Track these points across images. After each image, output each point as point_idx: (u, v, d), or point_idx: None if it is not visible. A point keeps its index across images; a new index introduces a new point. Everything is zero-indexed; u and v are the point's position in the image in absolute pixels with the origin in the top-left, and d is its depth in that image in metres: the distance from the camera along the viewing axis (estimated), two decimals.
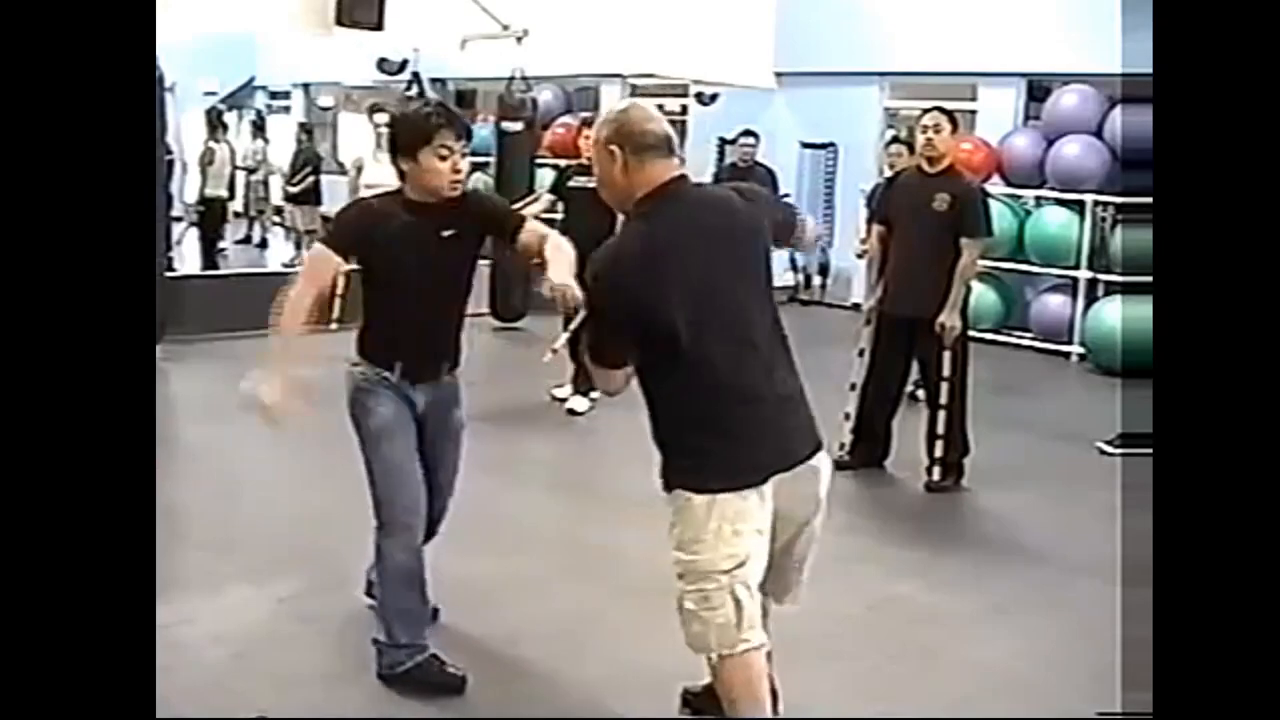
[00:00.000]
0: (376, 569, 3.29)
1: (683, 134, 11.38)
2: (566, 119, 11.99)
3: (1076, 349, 9.25)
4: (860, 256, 6.95)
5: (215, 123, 12.32)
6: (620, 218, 2.75)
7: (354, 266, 3.20)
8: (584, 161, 6.24)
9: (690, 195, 2.67)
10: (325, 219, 10.98)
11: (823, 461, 2.72)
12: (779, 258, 4.76)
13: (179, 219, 11.82)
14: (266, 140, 14.03)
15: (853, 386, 5.73)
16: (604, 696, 3.29)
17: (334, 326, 7.19)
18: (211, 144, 11.96)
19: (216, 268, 11.50)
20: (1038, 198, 9.82)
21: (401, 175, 3.14)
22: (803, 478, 2.66)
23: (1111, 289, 9.03)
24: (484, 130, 10.36)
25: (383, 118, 8.99)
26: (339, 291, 6.87)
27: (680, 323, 2.51)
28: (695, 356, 2.54)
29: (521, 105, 9.41)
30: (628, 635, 3.63)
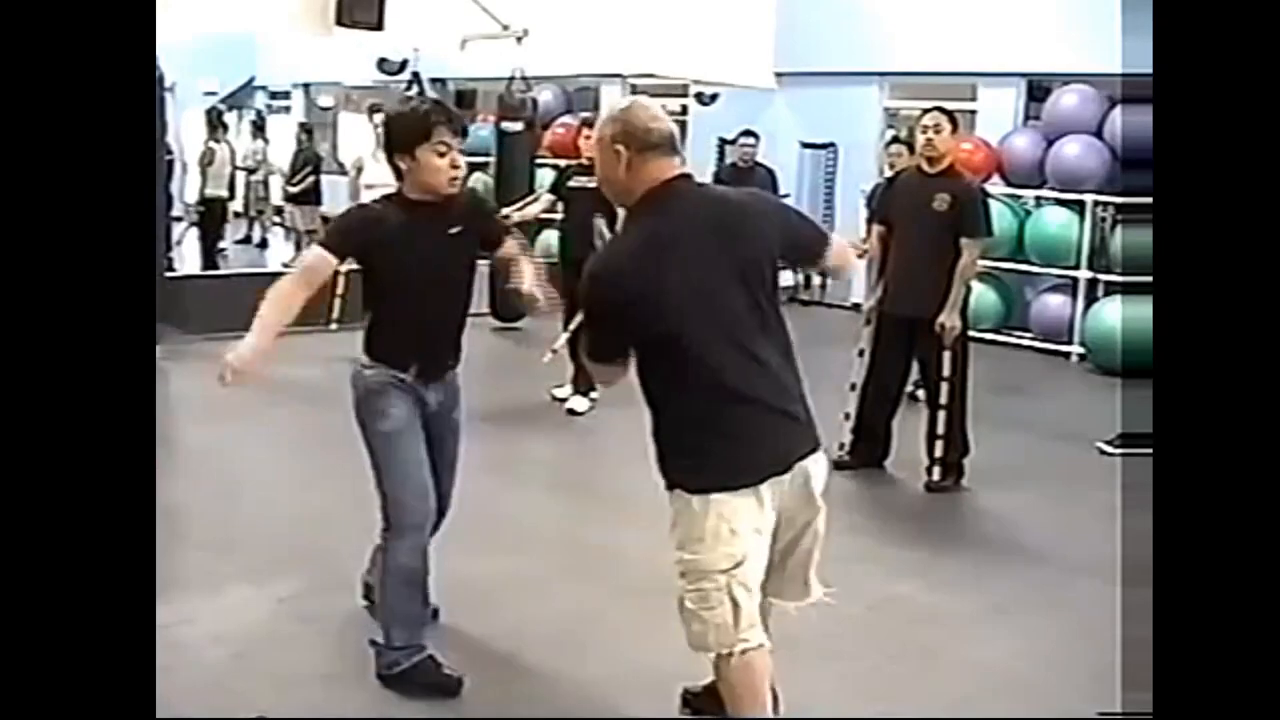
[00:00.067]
0: (379, 569, 3.29)
1: (683, 134, 11.36)
2: (566, 119, 11.99)
3: (1076, 349, 9.24)
4: (860, 257, 6.93)
5: (215, 123, 12.33)
6: (621, 217, 2.75)
7: (354, 267, 3.19)
8: (584, 161, 6.23)
9: (692, 194, 2.67)
10: (325, 219, 10.97)
11: (819, 461, 2.72)
12: None
13: (179, 219, 11.84)
14: (266, 140, 14.03)
15: (853, 386, 5.73)
16: (604, 696, 3.29)
17: (334, 327, 7.25)
18: (211, 144, 11.97)
19: (216, 268, 11.49)
20: (1038, 198, 9.81)
21: (399, 175, 3.14)
22: (800, 478, 2.66)
23: (1111, 289, 9.03)
24: (484, 130, 10.36)
25: (382, 118, 8.97)
26: (339, 292, 6.89)
27: (678, 320, 2.51)
28: (694, 356, 2.54)
29: (521, 105, 9.41)
30: (628, 635, 3.63)
